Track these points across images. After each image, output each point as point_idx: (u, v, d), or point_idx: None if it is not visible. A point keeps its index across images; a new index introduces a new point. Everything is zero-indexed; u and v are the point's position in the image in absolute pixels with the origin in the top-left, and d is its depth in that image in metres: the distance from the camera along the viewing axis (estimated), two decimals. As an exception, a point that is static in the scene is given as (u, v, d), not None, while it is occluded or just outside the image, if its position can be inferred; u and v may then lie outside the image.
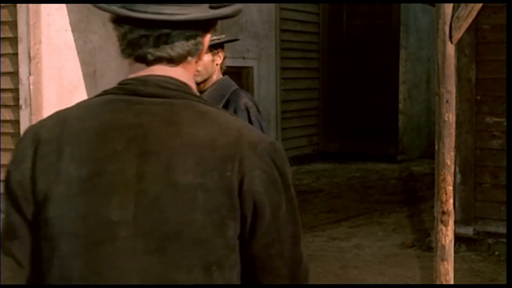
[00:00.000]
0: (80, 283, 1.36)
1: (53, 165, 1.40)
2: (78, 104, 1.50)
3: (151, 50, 1.44)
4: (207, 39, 1.50)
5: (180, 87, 1.45)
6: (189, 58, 1.47)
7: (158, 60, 1.45)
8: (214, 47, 3.40)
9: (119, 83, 1.50)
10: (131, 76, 1.49)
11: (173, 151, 1.37)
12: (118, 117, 1.42)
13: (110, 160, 1.38)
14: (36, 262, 1.43)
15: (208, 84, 3.42)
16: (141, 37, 1.43)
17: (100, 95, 1.49)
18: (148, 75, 1.45)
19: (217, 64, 3.44)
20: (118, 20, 1.47)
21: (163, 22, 1.40)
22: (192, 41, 1.45)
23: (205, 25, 1.46)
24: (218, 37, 3.41)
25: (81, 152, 1.39)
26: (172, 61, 1.45)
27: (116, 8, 1.42)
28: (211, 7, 1.44)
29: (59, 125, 1.44)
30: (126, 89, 1.47)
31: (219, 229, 1.36)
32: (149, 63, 1.45)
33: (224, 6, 1.46)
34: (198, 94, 1.50)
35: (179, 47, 1.44)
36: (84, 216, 1.37)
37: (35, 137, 1.44)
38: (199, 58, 1.49)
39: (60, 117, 1.46)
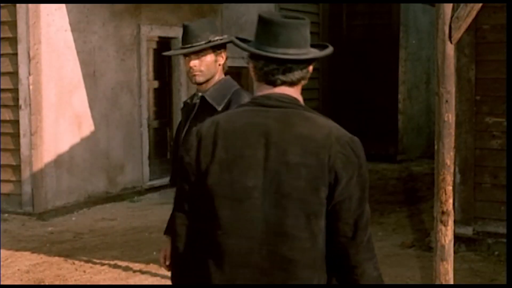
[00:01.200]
0: (227, 227, 2.15)
1: (210, 152, 2.19)
2: (225, 113, 2.35)
3: (280, 77, 2.22)
4: (311, 68, 2.27)
5: (291, 101, 2.23)
6: (302, 82, 2.27)
7: (283, 83, 2.23)
8: (217, 48, 3.39)
9: (252, 99, 2.28)
10: (259, 94, 2.26)
11: (286, 142, 2.15)
12: (251, 121, 2.20)
13: (247, 148, 2.17)
14: (197, 213, 2.23)
15: (210, 84, 3.42)
16: (274, 69, 2.21)
17: (238, 106, 2.34)
18: (271, 93, 2.23)
19: (219, 65, 3.43)
20: (255, 57, 2.25)
21: (289, 60, 2.21)
22: (304, 70, 2.25)
23: (312, 61, 2.27)
24: (220, 38, 3.40)
25: (228, 143, 2.18)
26: (292, 84, 2.24)
27: (255, 49, 2.22)
28: (312, 46, 2.26)
29: (213, 126, 2.23)
30: (256, 102, 2.25)
31: (315, 192, 2.12)
32: (276, 85, 2.24)
33: (324, 48, 2.30)
34: (303, 104, 2.25)
35: (297, 74, 2.23)
36: (231, 183, 2.16)
37: (198, 134, 2.24)
38: (305, 80, 2.27)
39: (214, 120, 2.26)
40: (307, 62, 2.25)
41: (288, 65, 2.21)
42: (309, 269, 2.14)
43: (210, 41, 3.34)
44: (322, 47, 2.32)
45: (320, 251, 2.16)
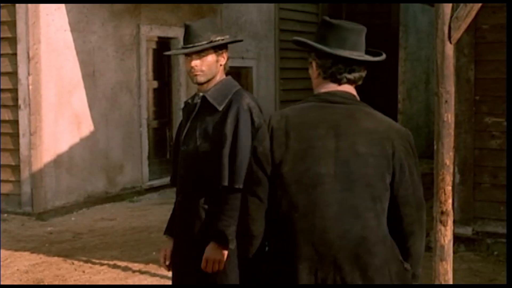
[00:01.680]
0: (302, 209, 2.44)
1: (283, 143, 2.49)
2: (291, 108, 2.61)
3: (346, 75, 2.55)
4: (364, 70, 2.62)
5: (352, 98, 2.57)
6: (359, 81, 2.61)
7: (346, 81, 2.56)
8: (218, 48, 3.39)
9: (315, 95, 2.57)
10: (324, 90, 2.57)
11: (354, 134, 2.46)
12: (320, 115, 2.51)
13: (318, 139, 2.47)
14: (270, 199, 2.50)
15: (212, 84, 3.41)
16: (341, 69, 2.54)
17: (303, 102, 2.60)
18: (336, 90, 2.56)
19: (221, 65, 3.43)
20: (324, 56, 2.55)
21: (354, 61, 2.54)
22: (362, 71, 2.61)
23: (371, 63, 2.62)
24: (222, 38, 3.40)
25: (300, 135, 2.48)
26: (353, 82, 2.58)
27: (330, 50, 2.52)
28: (368, 54, 2.63)
29: (283, 119, 2.53)
30: (321, 98, 2.56)
31: (381, 178, 2.46)
32: (340, 83, 2.56)
33: (379, 55, 2.65)
34: (360, 101, 2.55)
35: (358, 74, 2.58)
36: (305, 171, 2.45)
37: (269, 126, 2.53)
38: (361, 81, 2.62)
39: (283, 114, 2.56)
40: (367, 64, 2.60)
41: (353, 66, 2.55)
42: (379, 245, 2.46)
43: (212, 41, 3.34)
44: (372, 53, 2.66)
45: (384, 229, 2.48)
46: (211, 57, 3.37)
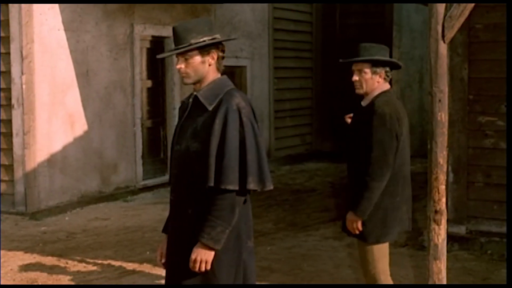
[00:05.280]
0: (406, 160, 4.35)
1: (399, 126, 4.20)
2: (388, 101, 4.24)
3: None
4: None
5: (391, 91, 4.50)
6: None
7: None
8: (204, 48, 3.37)
9: (386, 91, 4.39)
10: (386, 88, 4.33)
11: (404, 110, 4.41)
12: (398, 103, 4.33)
13: (405, 117, 4.28)
14: (395, 162, 4.20)
15: (204, 83, 3.40)
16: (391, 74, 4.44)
17: (386, 96, 4.29)
18: (389, 87, 4.40)
19: (209, 65, 3.41)
20: (395, 67, 4.48)
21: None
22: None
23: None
24: (210, 38, 3.38)
25: (403, 118, 4.27)
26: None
27: (401, 63, 4.55)
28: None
29: (397, 111, 4.23)
30: (390, 93, 4.34)
31: None
32: (390, 83, 4.41)
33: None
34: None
35: None
36: (406, 138, 4.26)
37: (396, 116, 4.17)
38: None
39: (396, 106, 4.26)
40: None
41: None
42: None
43: (191, 44, 3.33)
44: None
45: None
46: (196, 59, 3.35)
